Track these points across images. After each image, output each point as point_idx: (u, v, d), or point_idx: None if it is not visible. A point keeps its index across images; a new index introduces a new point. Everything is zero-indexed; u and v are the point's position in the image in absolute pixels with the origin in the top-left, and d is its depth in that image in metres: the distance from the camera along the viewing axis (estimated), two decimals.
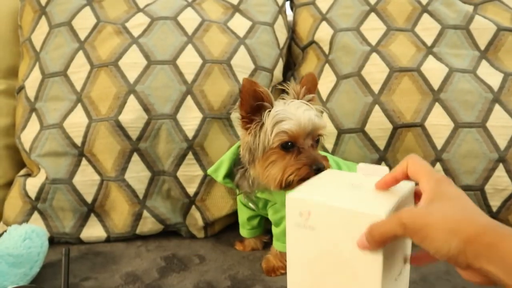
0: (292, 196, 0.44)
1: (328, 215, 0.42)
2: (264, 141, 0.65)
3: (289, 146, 0.65)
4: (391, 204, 0.40)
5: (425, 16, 0.97)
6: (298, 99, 0.69)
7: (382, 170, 0.47)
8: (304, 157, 0.64)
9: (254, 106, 0.66)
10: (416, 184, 0.44)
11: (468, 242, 0.33)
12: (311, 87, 0.70)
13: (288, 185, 0.65)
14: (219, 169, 0.76)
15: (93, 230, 0.88)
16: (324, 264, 0.43)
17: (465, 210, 0.37)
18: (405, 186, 0.45)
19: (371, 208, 0.40)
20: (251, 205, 0.79)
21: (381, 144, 0.87)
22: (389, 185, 0.44)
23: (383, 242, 0.38)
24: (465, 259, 0.34)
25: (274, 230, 0.78)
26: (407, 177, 0.43)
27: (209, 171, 0.79)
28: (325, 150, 0.90)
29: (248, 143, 0.68)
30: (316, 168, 0.62)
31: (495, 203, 0.84)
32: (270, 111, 0.66)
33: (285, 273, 0.76)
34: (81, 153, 0.87)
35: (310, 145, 0.66)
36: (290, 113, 0.65)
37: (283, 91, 0.72)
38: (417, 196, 0.46)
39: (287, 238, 0.45)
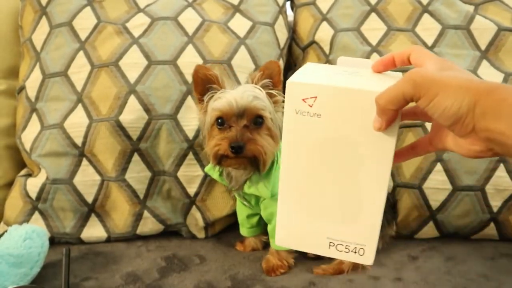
0: (294, 81, 0.39)
1: (338, 99, 0.38)
2: (206, 119, 0.70)
3: (222, 123, 0.68)
4: None
5: (426, 16, 0.97)
6: (253, 83, 0.71)
7: (365, 62, 0.44)
8: (229, 134, 0.67)
9: (206, 88, 0.71)
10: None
11: (480, 99, 0.32)
12: (273, 73, 0.71)
13: (219, 161, 0.68)
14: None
15: (94, 230, 0.88)
16: (327, 154, 0.40)
17: (473, 76, 0.36)
18: (397, 75, 0.43)
19: (383, 88, 0.37)
20: (245, 203, 0.80)
21: None
22: (386, 66, 0.42)
23: (392, 109, 0.36)
24: (472, 119, 0.33)
25: (268, 227, 0.78)
26: (405, 63, 0.42)
27: (206, 169, 0.80)
28: None
29: (201, 122, 0.73)
30: (233, 146, 0.65)
31: (496, 203, 0.84)
32: (216, 92, 0.71)
33: (285, 273, 0.76)
34: (81, 153, 0.87)
35: (243, 125, 0.67)
36: (228, 93, 0.68)
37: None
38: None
39: (283, 129, 0.41)
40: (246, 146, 0.65)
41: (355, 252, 0.42)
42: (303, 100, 0.39)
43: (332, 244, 0.43)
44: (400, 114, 0.37)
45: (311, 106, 0.39)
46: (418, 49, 0.41)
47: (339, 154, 0.40)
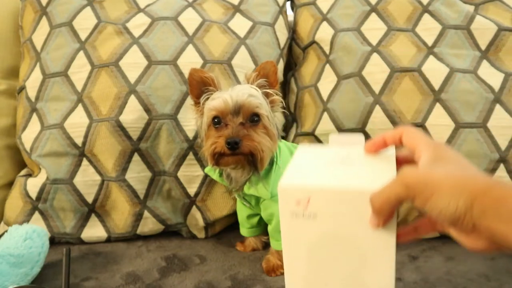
0: (285, 184, 0.39)
1: (331, 199, 0.38)
2: (203, 120, 0.70)
3: (218, 122, 0.68)
4: (393, 174, 0.38)
5: (426, 16, 0.97)
6: (248, 83, 0.71)
7: (357, 137, 0.45)
8: (225, 131, 0.67)
9: (202, 91, 0.72)
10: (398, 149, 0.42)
11: (476, 198, 0.31)
12: (269, 74, 0.71)
13: (217, 161, 0.67)
14: None
15: (94, 230, 0.88)
16: (327, 252, 0.40)
17: (469, 170, 0.35)
18: (389, 152, 0.43)
19: (376, 184, 0.36)
20: (245, 203, 0.80)
21: None
22: (378, 147, 0.43)
23: (387, 210, 0.35)
24: (471, 219, 0.32)
25: (269, 228, 0.78)
26: (396, 143, 0.41)
27: (206, 170, 0.81)
28: None
29: (198, 126, 0.73)
30: (228, 142, 0.64)
31: None
32: (212, 94, 0.71)
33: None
34: (82, 153, 0.87)
35: (239, 122, 0.67)
36: (223, 93, 0.69)
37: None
38: (398, 161, 0.44)
39: (282, 231, 0.41)
40: (242, 142, 0.65)
41: None
42: (296, 202, 0.39)
43: None
44: (397, 210, 0.37)
45: (305, 208, 0.39)
46: (410, 131, 0.40)
47: (339, 252, 0.40)
